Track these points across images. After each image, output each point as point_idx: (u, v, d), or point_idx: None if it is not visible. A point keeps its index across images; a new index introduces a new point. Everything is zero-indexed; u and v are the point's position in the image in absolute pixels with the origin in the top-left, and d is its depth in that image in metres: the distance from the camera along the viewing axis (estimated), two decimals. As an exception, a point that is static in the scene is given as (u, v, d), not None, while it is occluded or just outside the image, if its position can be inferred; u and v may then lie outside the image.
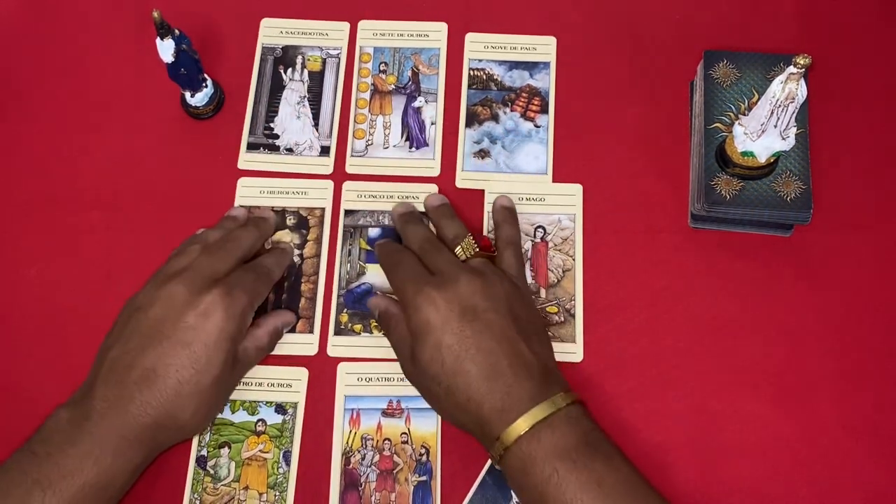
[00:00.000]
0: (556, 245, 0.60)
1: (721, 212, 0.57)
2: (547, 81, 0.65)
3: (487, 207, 0.61)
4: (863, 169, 0.61)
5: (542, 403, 0.48)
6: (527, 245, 0.60)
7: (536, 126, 0.63)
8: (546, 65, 0.65)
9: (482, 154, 0.63)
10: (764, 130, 0.52)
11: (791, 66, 0.48)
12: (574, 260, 0.59)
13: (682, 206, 0.60)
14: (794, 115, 0.51)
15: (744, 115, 0.57)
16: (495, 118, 0.64)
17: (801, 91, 0.49)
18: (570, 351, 0.57)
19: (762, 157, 0.54)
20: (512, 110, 0.64)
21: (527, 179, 0.62)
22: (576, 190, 0.61)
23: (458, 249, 0.56)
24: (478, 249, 0.56)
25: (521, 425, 0.47)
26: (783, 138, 0.53)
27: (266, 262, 0.57)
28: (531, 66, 0.65)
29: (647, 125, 0.63)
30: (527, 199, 0.61)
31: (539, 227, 0.60)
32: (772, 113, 0.51)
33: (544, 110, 0.64)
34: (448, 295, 0.51)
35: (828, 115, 0.61)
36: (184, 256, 0.54)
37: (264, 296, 0.56)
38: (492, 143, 0.63)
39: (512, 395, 0.48)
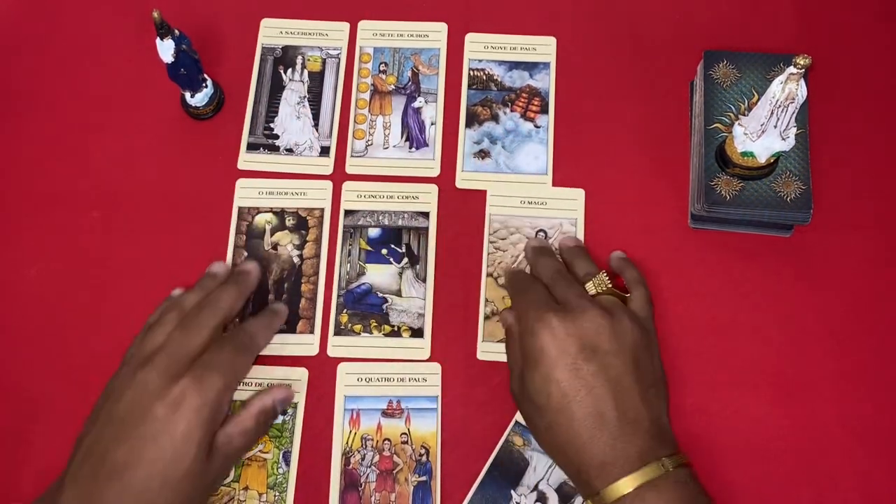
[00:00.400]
0: (556, 249, 0.59)
1: (721, 212, 0.57)
2: (547, 81, 0.65)
3: (490, 210, 0.61)
4: (863, 169, 0.61)
5: (650, 465, 0.46)
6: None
7: (536, 126, 0.63)
8: (546, 65, 0.65)
9: (482, 154, 0.63)
10: (764, 131, 0.52)
11: (791, 67, 0.48)
12: None
13: (682, 206, 0.60)
14: (794, 115, 0.51)
15: (744, 115, 0.57)
16: (495, 118, 0.64)
17: (801, 91, 0.49)
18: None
19: (762, 158, 0.54)
20: (512, 110, 0.64)
21: (527, 180, 0.62)
22: (578, 195, 0.61)
23: (588, 284, 0.53)
24: (610, 286, 0.53)
25: (626, 485, 0.45)
26: (783, 138, 0.53)
27: (250, 329, 0.54)
28: (531, 67, 0.65)
29: (647, 125, 0.63)
30: (528, 202, 0.61)
31: (540, 230, 0.60)
32: (772, 113, 0.51)
33: (544, 110, 0.64)
34: (570, 327, 0.49)
35: (828, 115, 0.61)
36: (159, 330, 0.51)
37: (245, 371, 0.53)
38: (492, 143, 0.63)
39: (616, 449, 0.46)
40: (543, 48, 0.66)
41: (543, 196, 0.61)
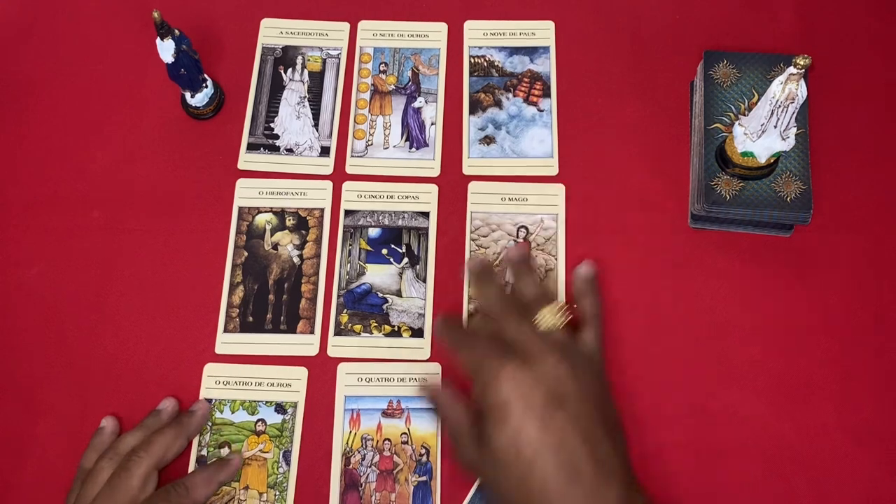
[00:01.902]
0: (539, 245, 0.60)
1: (721, 212, 0.57)
2: (548, 65, 0.65)
3: (470, 208, 0.61)
4: (863, 169, 0.61)
5: None
6: (510, 245, 0.60)
7: (540, 110, 0.64)
8: (546, 49, 0.65)
9: (487, 140, 0.63)
10: (764, 131, 0.52)
11: (791, 67, 0.48)
12: (556, 260, 0.59)
13: (682, 206, 0.60)
14: (794, 115, 0.51)
15: (744, 115, 0.57)
16: (498, 104, 0.64)
17: (801, 91, 0.49)
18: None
19: (762, 158, 0.54)
20: (515, 95, 0.64)
21: (533, 164, 0.62)
22: (558, 190, 0.61)
23: (540, 319, 0.50)
24: (560, 323, 0.50)
25: None
26: (783, 138, 0.53)
27: (188, 482, 0.51)
28: (531, 51, 0.65)
29: (647, 125, 0.63)
30: (509, 199, 0.61)
31: (522, 226, 0.60)
32: (772, 113, 0.51)
33: (546, 94, 0.64)
34: (534, 376, 0.47)
35: (828, 115, 0.61)
36: (90, 485, 0.50)
37: None
38: (496, 128, 0.63)
39: (593, 502, 0.44)
40: (542, 32, 0.66)
41: (524, 192, 0.61)
